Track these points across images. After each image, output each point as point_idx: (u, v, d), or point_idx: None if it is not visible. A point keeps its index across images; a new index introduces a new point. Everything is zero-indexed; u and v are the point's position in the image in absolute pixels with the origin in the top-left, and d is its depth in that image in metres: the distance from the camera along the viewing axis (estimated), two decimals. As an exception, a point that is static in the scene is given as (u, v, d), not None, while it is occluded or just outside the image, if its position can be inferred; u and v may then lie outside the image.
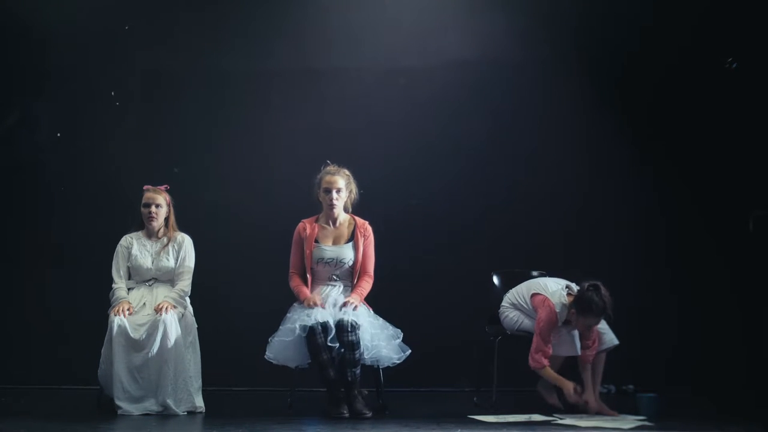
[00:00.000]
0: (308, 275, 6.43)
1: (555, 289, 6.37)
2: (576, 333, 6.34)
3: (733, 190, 7.50)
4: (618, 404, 6.34)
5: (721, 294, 7.50)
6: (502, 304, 6.66)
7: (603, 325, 6.36)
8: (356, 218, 6.55)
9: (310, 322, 6.10)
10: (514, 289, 6.64)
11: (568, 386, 6.22)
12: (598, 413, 6.21)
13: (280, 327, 6.27)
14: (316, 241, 6.44)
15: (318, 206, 6.52)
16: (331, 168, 6.49)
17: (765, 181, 7.32)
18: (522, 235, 7.58)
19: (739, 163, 7.51)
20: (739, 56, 7.50)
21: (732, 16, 7.48)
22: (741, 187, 7.47)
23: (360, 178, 6.57)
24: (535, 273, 6.92)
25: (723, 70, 7.55)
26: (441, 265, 7.58)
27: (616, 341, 6.41)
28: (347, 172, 6.50)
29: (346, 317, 6.14)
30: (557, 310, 6.27)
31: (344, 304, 6.24)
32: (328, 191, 6.43)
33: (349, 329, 6.10)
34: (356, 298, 6.31)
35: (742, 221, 7.32)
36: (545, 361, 6.25)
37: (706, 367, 7.39)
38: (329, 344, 6.08)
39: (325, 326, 6.09)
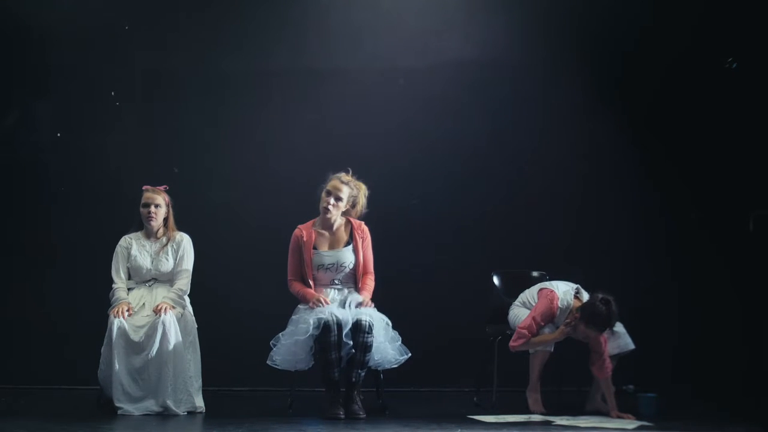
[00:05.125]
0: (310, 281, 6.39)
1: (565, 289, 6.38)
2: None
3: (733, 190, 7.49)
4: (618, 404, 6.31)
5: (721, 294, 7.49)
6: (514, 302, 6.66)
7: (620, 328, 6.36)
8: (352, 220, 6.50)
9: (325, 316, 6.07)
10: (528, 289, 6.64)
11: (562, 330, 6.22)
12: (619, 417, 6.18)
13: (288, 328, 6.24)
14: (314, 248, 6.41)
15: (317, 209, 6.50)
16: (344, 176, 6.42)
17: (765, 181, 7.32)
18: (522, 235, 7.57)
19: (739, 163, 7.50)
20: (739, 56, 7.50)
21: (732, 16, 7.48)
22: (741, 187, 7.46)
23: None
24: (535, 273, 6.94)
25: (723, 70, 7.55)
26: (441, 265, 7.58)
27: (631, 346, 6.40)
28: (362, 186, 6.43)
29: (365, 318, 6.12)
30: (559, 306, 6.28)
31: (359, 304, 6.23)
32: (329, 193, 6.38)
33: (367, 330, 6.09)
34: (368, 298, 6.31)
35: (742, 221, 7.32)
36: (528, 334, 6.22)
37: (707, 367, 7.38)
38: (344, 340, 6.05)
39: (339, 323, 6.07)
